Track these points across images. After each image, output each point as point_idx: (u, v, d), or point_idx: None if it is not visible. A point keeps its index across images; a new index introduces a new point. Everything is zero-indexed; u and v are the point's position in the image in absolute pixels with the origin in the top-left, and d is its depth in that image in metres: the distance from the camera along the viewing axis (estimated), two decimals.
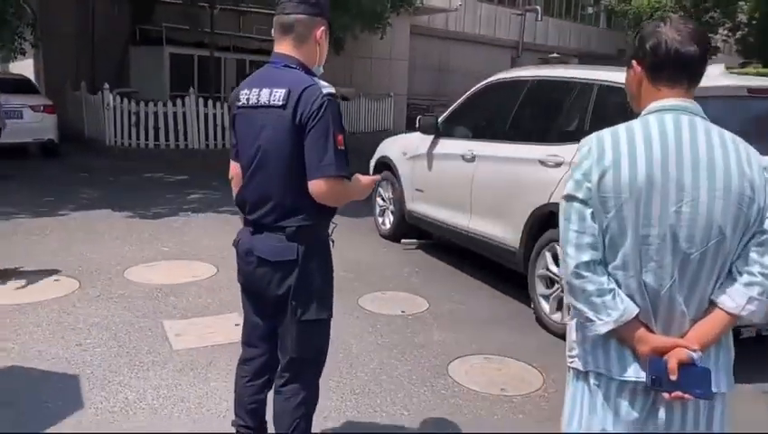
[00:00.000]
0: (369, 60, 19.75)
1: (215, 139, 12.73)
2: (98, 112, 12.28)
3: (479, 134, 5.53)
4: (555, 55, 29.64)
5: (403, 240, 6.57)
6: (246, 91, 2.30)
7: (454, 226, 5.48)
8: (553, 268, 4.35)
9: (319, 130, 2.16)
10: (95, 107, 12.48)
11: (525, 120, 5.12)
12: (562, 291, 4.27)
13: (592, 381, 1.71)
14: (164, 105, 12.27)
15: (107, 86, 12.04)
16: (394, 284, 5.35)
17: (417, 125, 5.93)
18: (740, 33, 33.27)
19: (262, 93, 2.24)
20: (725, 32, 33.54)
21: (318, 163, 2.16)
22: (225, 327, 4.22)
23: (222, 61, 14.13)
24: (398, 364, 3.81)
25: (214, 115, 12.58)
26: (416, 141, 6.19)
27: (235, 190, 2.48)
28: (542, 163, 4.45)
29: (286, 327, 2.33)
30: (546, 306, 4.41)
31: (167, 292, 4.87)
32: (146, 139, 12.28)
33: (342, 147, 2.22)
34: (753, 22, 32.15)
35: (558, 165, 4.31)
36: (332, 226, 2.42)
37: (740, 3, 29.73)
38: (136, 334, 4.07)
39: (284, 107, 2.17)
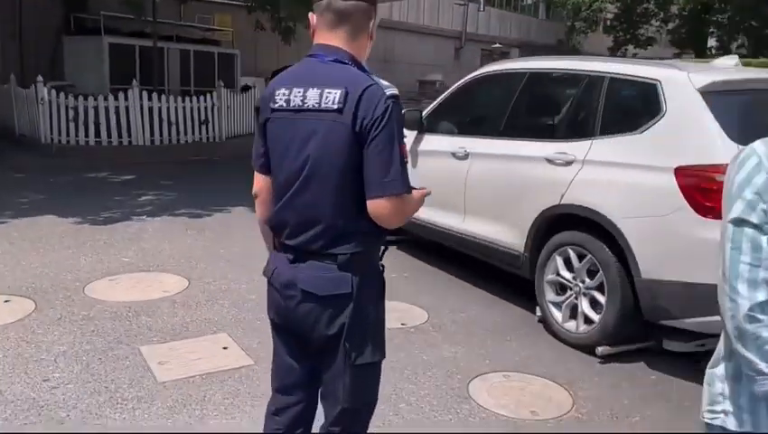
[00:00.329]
0: None
1: (161, 135, 12.00)
2: (32, 107, 11.35)
3: (470, 130, 5.23)
4: (497, 46, 29.81)
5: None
6: (283, 91, 1.90)
7: (444, 227, 5.16)
8: (565, 273, 4.09)
9: (383, 140, 1.79)
10: (27, 101, 11.53)
11: (525, 115, 4.84)
12: (576, 298, 4.03)
13: None
14: (105, 99, 11.44)
15: (40, 79, 11.12)
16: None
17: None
18: (672, 24, 34.30)
19: (309, 94, 1.84)
20: (658, 23, 34.48)
21: (381, 178, 1.79)
22: (212, 352, 3.77)
23: (165, 51, 13.34)
24: (413, 388, 3.46)
25: (159, 109, 11.84)
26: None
27: (260, 208, 2.08)
28: (550, 161, 4.18)
29: (336, 373, 1.94)
30: (558, 315, 4.15)
31: (138, 311, 4.36)
32: (86, 136, 11.43)
33: (406, 159, 1.85)
34: (684, 13, 33.18)
35: (569, 163, 4.05)
36: (381, 248, 2.05)
37: None
38: (112, 364, 3.57)
39: (340, 111, 1.79)
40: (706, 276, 3.29)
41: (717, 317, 3.27)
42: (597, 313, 3.89)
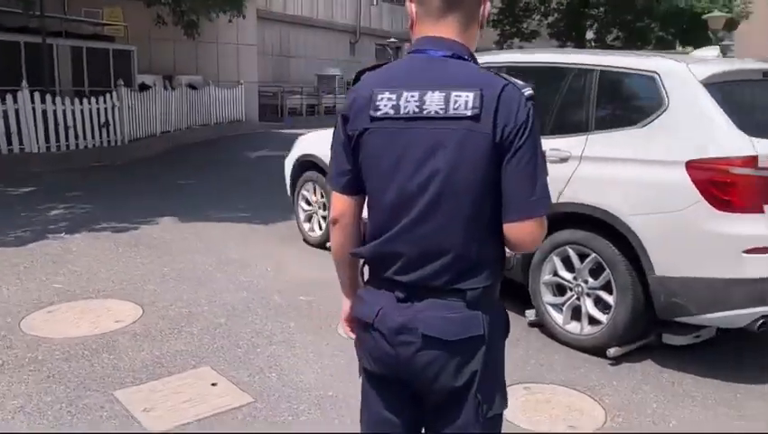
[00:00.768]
0: (215, 45, 18.29)
1: (57, 141, 10.88)
2: None
3: None
4: (392, 40, 29.86)
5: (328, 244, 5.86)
6: (388, 96, 1.55)
7: None
8: (564, 273, 3.96)
9: (528, 151, 1.50)
10: None
11: None
12: (578, 298, 3.91)
13: None
14: None
15: None
16: None
17: None
18: (551, 18, 35.86)
19: (429, 98, 1.52)
20: (539, 17, 35.93)
21: (528, 197, 1.51)
22: (200, 391, 3.32)
23: (55, 48, 12.10)
24: None
25: (54, 112, 10.72)
26: None
27: (341, 235, 1.73)
28: None
29: (463, 429, 1.64)
30: (558, 317, 4.01)
31: (96, 348, 3.79)
32: None
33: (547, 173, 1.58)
34: (562, 7, 34.77)
35: (563, 160, 3.91)
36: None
37: None
38: (87, 417, 3.04)
39: (476, 117, 1.48)
40: (724, 270, 3.29)
41: (737, 311, 3.27)
42: (603, 313, 3.79)
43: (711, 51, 3.98)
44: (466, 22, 1.59)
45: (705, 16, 18.43)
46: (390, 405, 1.72)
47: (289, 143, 6.72)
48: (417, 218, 1.55)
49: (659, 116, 3.56)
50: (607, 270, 3.70)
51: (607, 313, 3.76)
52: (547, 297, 4.06)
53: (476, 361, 1.57)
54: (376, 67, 1.69)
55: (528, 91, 1.53)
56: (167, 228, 6.81)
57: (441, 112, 1.51)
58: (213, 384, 3.39)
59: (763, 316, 3.30)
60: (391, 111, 1.55)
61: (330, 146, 1.73)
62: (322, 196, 5.93)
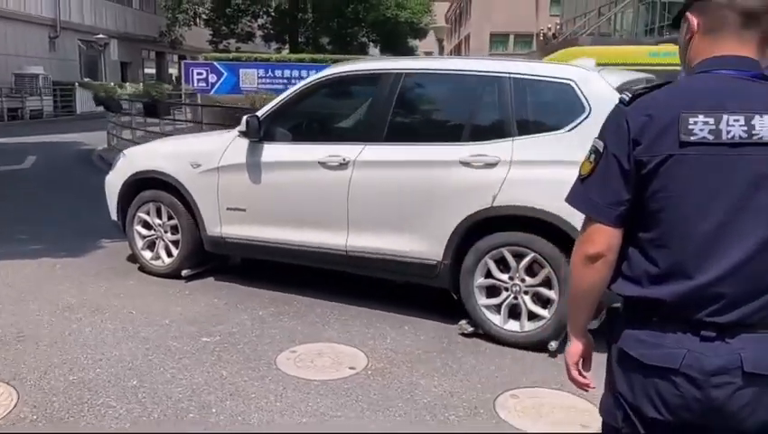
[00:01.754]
0: None
1: None
2: None
3: (343, 136, 4.70)
4: (101, 36, 27.21)
5: (184, 272, 5.14)
6: (703, 119, 1.42)
7: (317, 246, 4.53)
8: (500, 275, 4.03)
9: None
10: None
11: (416, 119, 4.58)
12: (515, 298, 4.02)
13: None
14: None
15: None
16: (285, 336, 4.18)
17: (244, 127, 4.62)
18: (261, 20, 36.22)
19: (758, 123, 1.42)
20: (248, 19, 35.99)
21: None
22: None
23: None
24: None
25: None
26: (218, 147, 4.87)
27: (605, 271, 1.57)
28: (466, 164, 4.02)
29: None
30: (496, 318, 4.06)
31: None
32: None
33: None
34: (273, 14, 35.37)
35: (492, 165, 3.96)
36: None
37: None
38: None
39: None
40: None
41: None
42: (544, 308, 3.96)
43: (590, 62, 4.37)
44: (766, 39, 1.51)
45: (431, 26, 20.42)
46: None
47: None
48: (750, 256, 1.44)
49: (583, 120, 3.81)
50: (548, 267, 3.87)
51: (548, 308, 3.94)
52: (482, 299, 4.10)
53: None
54: (653, 88, 1.54)
55: None
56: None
57: None
58: None
59: None
60: (710, 136, 1.42)
61: (586, 176, 1.60)
62: (170, 218, 5.11)
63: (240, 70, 20.69)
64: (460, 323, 4.21)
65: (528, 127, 4.02)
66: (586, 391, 1.79)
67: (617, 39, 36.92)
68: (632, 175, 1.48)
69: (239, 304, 4.70)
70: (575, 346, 1.72)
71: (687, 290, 1.46)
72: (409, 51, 34.76)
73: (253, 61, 23.19)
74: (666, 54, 10.49)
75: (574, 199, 1.63)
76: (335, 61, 23.03)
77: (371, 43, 37.54)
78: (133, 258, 5.50)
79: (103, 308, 4.54)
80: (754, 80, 1.47)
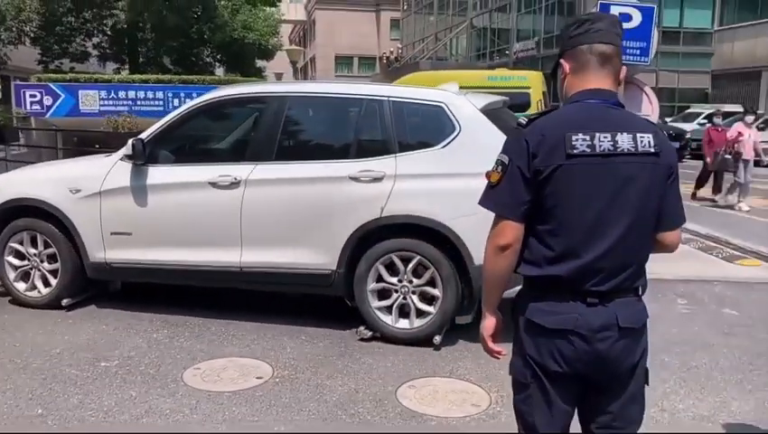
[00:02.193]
0: None
1: None
2: None
3: (232, 157, 4.82)
4: None
5: (65, 301, 4.98)
6: (582, 137, 1.87)
7: (211, 264, 4.61)
8: (390, 278, 4.39)
9: (677, 177, 2.02)
10: None
11: (303, 139, 4.82)
12: (404, 298, 4.39)
13: None
14: None
15: None
16: (186, 355, 4.23)
17: (130, 150, 4.60)
18: (96, 39, 34.37)
19: (620, 139, 1.89)
20: (82, 37, 34.03)
21: (681, 210, 2.05)
22: None
23: None
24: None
25: None
26: (99, 172, 4.79)
27: (512, 258, 1.96)
28: (355, 179, 4.35)
29: (631, 399, 2.02)
30: (388, 318, 4.40)
31: None
32: None
33: None
34: (107, 29, 33.70)
35: (378, 179, 4.32)
36: None
37: (115, 11, 30.69)
38: None
39: (657, 154, 1.92)
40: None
41: None
42: (430, 305, 4.36)
43: (453, 87, 4.85)
44: (616, 77, 2.00)
45: (284, 48, 20.67)
46: (568, 398, 2.00)
47: None
48: (620, 239, 1.90)
49: (455, 138, 4.31)
50: (432, 268, 4.29)
51: (434, 304, 4.35)
52: (375, 302, 4.43)
53: (644, 339, 2.01)
54: (542, 114, 1.99)
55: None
56: None
57: (632, 150, 1.89)
58: None
59: None
60: (587, 149, 1.87)
61: (495, 183, 1.94)
62: (46, 246, 4.92)
63: (80, 92, 19.58)
64: (358, 329, 4.50)
65: (407, 144, 4.44)
66: (498, 358, 2.14)
67: (453, 63, 39.56)
68: (532, 181, 1.89)
69: (130, 329, 4.65)
70: (489, 321, 2.08)
71: (577, 267, 1.89)
72: (257, 72, 34.63)
73: (93, 82, 22.02)
74: (502, 78, 11.66)
75: (486, 202, 2.00)
76: (183, 82, 22.43)
77: (217, 64, 36.93)
78: (3, 292, 5.20)
79: None
80: (613, 107, 1.96)
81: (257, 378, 3.89)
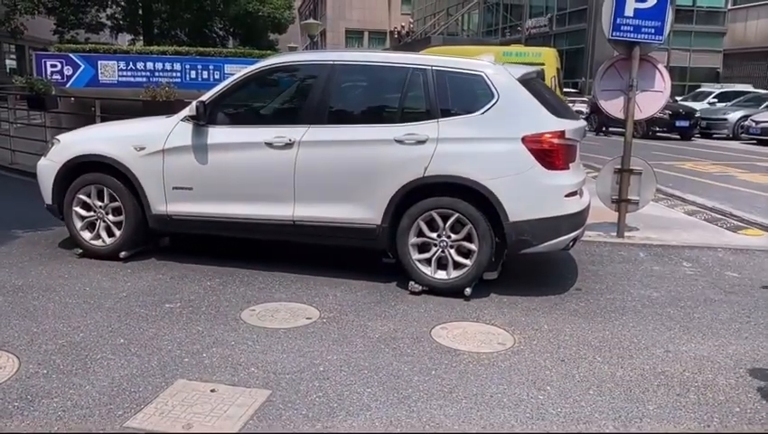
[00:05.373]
0: None
1: None
2: None
3: (287, 119, 5.25)
4: None
5: (122, 254, 5.48)
6: None
7: (265, 218, 5.10)
8: (430, 233, 4.83)
9: None
10: None
11: (353, 104, 5.26)
12: (442, 251, 4.85)
13: None
14: None
15: None
16: (240, 299, 4.73)
17: (194, 111, 5.07)
18: (110, 10, 34.57)
19: None
20: (96, 9, 34.20)
21: None
22: None
23: None
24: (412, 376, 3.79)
25: None
26: (162, 131, 5.29)
27: None
28: (400, 142, 4.78)
29: None
30: (427, 270, 4.86)
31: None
32: None
33: None
34: (123, 4, 33.85)
35: (421, 142, 4.75)
36: None
37: None
38: None
39: None
40: (554, 211, 4.72)
41: (562, 238, 4.71)
42: (466, 259, 4.81)
43: (490, 58, 5.26)
44: None
45: (303, 23, 20.79)
46: None
47: None
48: None
49: (493, 105, 4.73)
50: (469, 225, 4.74)
51: (470, 257, 4.80)
52: (416, 255, 4.89)
53: None
54: None
55: None
56: None
57: None
58: None
59: (573, 239, 4.86)
60: None
61: None
62: (112, 200, 5.42)
63: (99, 62, 19.93)
64: (410, 283, 4.92)
65: (449, 110, 4.86)
66: None
67: (465, 39, 39.63)
68: None
69: (185, 277, 5.14)
70: None
71: None
72: (270, 46, 34.88)
73: (112, 52, 22.34)
74: (517, 54, 12.04)
75: None
76: (200, 54, 22.65)
77: (230, 37, 37.14)
78: (64, 244, 5.69)
79: (54, 288, 4.79)
80: None
81: (307, 319, 4.37)
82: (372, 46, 57.42)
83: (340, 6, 57.98)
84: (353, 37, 59.33)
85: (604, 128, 21.36)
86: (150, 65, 20.37)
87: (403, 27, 50.85)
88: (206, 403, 3.16)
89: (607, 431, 3.07)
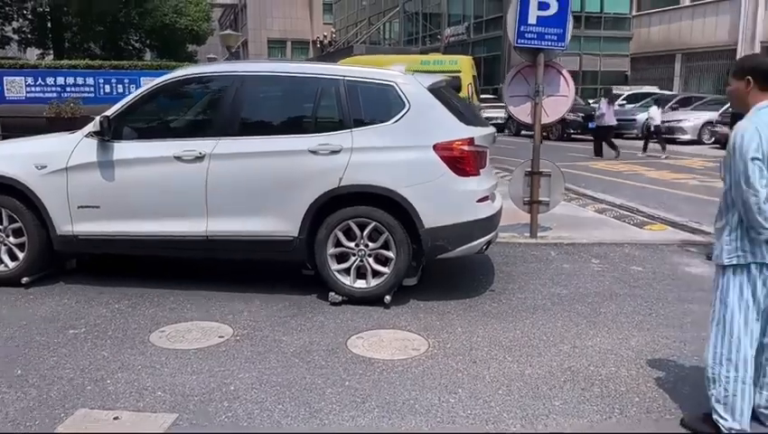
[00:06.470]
0: None
1: None
2: None
3: (196, 132, 5.15)
4: None
5: (24, 280, 5.21)
6: None
7: (177, 234, 4.95)
8: (347, 243, 4.83)
9: None
10: None
11: (268, 115, 5.21)
12: (361, 260, 4.85)
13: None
14: None
15: None
16: (149, 321, 4.57)
17: (98, 127, 4.88)
18: (17, 23, 33.09)
19: None
20: (0, 22, 32.72)
21: None
22: None
23: None
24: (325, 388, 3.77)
25: None
26: (64, 148, 5.08)
27: None
28: (315, 152, 4.76)
29: None
30: (346, 280, 4.85)
31: None
32: None
33: None
34: (27, 12, 32.49)
35: (336, 152, 4.74)
36: None
37: None
38: None
39: None
40: (468, 216, 4.81)
41: (476, 242, 4.79)
42: (384, 267, 4.83)
43: (400, 67, 5.31)
44: None
45: (220, 33, 20.54)
46: None
47: None
48: None
49: (405, 114, 4.78)
50: (386, 233, 4.76)
51: (388, 265, 4.83)
52: (335, 265, 4.88)
53: None
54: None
55: None
56: None
57: None
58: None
59: (487, 242, 4.96)
60: None
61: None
62: (11, 222, 5.15)
63: (4, 78, 19.04)
64: (329, 294, 4.89)
65: (362, 120, 4.87)
66: None
67: (387, 47, 40.03)
68: None
69: (92, 301, 4.94)
70: None
71: None
72: (189, 57, 34.19)
73: (18, 67, 21.35)
74: (435, 63, 12.30)
75: None
76: (114, 67, 21.94)
77: (147, 49, 36.16)
78: None
79: None
80: None
81: (219, 337, 4.27)
82: (295, 56, 57.22)
83: (261, 16, 57.53)
84: (276, 47, 58.95)
85: (523, 132, 22.03)
86: (61, 80, 19.64)
87: (326, 37, 50.90)
88: (108, 432, 3.04)
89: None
